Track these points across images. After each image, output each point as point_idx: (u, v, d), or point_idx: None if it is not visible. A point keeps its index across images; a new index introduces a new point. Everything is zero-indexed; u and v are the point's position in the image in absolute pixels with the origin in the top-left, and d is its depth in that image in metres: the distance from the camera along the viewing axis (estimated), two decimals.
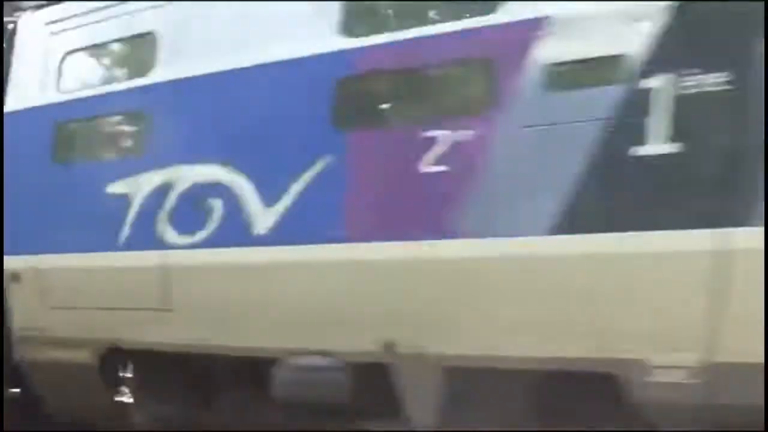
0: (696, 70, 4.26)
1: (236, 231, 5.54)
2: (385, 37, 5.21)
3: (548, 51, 4.64)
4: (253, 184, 5.49)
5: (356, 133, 5.31)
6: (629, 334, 4.40)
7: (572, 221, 4.52)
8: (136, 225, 5.98)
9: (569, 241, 4.53)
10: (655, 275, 4.31)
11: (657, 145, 4.31)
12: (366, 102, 5.40)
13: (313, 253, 5.27)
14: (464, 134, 4.82)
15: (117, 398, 6.52)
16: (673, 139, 4.29)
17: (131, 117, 6.28)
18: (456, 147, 4.83)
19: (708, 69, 4.23)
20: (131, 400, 6.50)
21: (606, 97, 4.47)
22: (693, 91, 4.27)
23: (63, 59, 6.56)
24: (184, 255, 5.78)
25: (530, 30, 4.69)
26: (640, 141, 4.36)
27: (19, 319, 6.57)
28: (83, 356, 6.30)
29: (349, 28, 5.34)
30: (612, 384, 4.52)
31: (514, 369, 4.76)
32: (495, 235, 4.73)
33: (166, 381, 6.24)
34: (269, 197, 5.43)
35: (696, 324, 4.23)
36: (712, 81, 4.22)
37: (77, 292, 6.24)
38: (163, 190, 5.85)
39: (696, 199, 4.27)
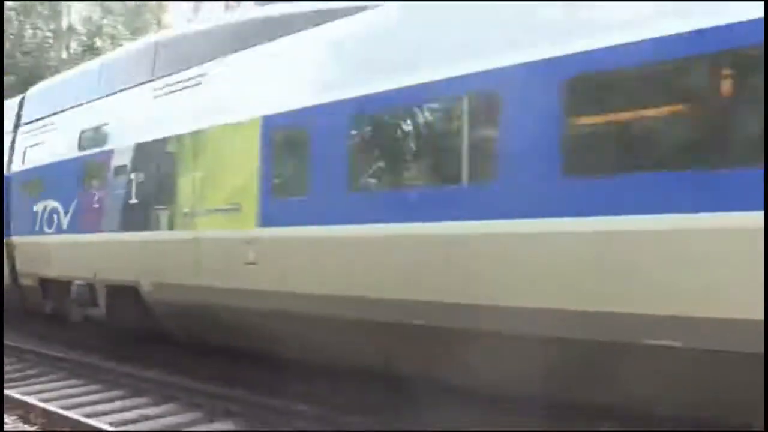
0: (142, 172, 10.97)
1: (59, 227, 13.01)
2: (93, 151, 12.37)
3: (114, 162, 11.52)
4: (63, 210, 12.89)
5: (82, 189, 12.48)
6: (137, 272, 11.11)
7: (124, 226, 11.40)
8: (38, 224, 13.62)
9: (125, 234, 11.39)
10: (155, 250, 10.88)
11: (134, 199, 11.08)
12: (82, 176, 12.50)
13: (78, 238, 12.58)
14: (101, 192, 11.84)
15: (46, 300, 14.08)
16: (137, 196, 11.04)
17: (38, 181, 13.88)
18: (100, 197, 11.86)
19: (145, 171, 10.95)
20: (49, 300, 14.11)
21: (128, 179, 11.31)
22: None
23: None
24: (50, 237, 13.36)
25: (111, 154, 11.61)
26: (130, 197, 11.13)
27: (24, 265, 14.41)
28: (33, 280, 14.05)
29: (81, 146, 12.55)
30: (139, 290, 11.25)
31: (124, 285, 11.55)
32: (109, 231, 11.74)
33: (57, 292, 13.73)
34: (65, 214, 12.82)
35: (146, 268, 10.91)
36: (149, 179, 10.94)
37: (27, 252, 14.02)
38: (44, 210, 13.43)
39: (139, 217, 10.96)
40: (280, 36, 8.97)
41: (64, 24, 40.78)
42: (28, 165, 14.10)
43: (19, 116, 14.91)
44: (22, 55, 38.03)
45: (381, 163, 7.69)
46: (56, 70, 37.19)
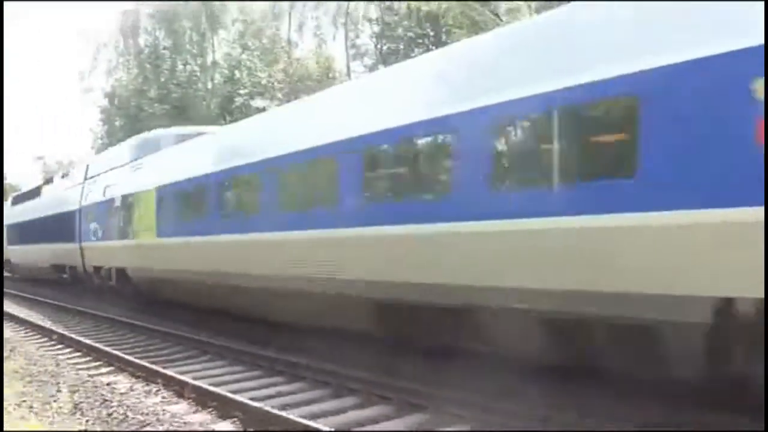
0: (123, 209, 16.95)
1: (97, 237, 18.76)
2: (108, 197, 18.48)
3: (115, 204, 17.76)
4: (99, 228, 18.45)
5: (104, 216, 18.39)
6: (125, 261, 17.04)
7: (118, 237, 17.34)
8: (91, 236, 19.24)
9: (119, 241, 17.32)
10: (129, 249, 16.72)
11: (122, 223, 16.67)
12: (104, 210, 18.44)
13: (105, 243, 18.35)
14: (110, 219, 17.90)
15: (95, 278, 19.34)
16: (122, 221, 17.09)
17: (90, 212, 19.65)
18: (110, 221, 17.38)
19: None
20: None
21: (119, 212, 17.31)
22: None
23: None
24: (95, 242, 19.15)
25: (114, 200, 17.79)
26: (120, 222, 17.06)
27: (87, 259, 19.76)
28: (90, 268, 19.59)
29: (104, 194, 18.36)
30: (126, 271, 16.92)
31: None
32: (114, 240, 17.52)
33: (99, 274, 18.94)
34: (100, 231, 18.58)
35: (128, 259, 16.88)
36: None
37: (88, 251, 19.63)
38: (93, 228, 19.22)
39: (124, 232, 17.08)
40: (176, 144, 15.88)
41: (209, 59, 42.69)
42: (88, 203, 20.11)
43: (86, 173, 21.32)
44: (175, 86, 40.24)
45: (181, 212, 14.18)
46: (203, 99, 39.15)
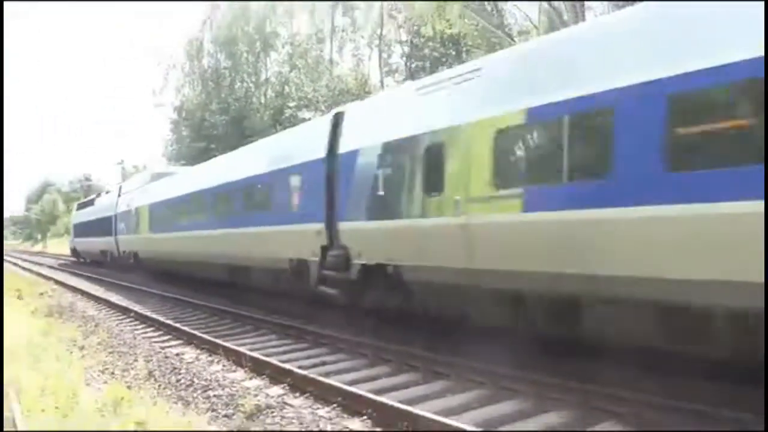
0: (136, 216, 22.63)
1: (123, 232, 24.60)
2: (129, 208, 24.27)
3: (132, 213, 23.27)
4: (125, 227, 24.07)
5: (127, 220, 24.01)
6: (136, 246, 22.89)
7: (133, 232, 23.31)
8: (121, 231, 24.91)
9: (132, 235, 23.45)
10: (139, 240, 22.84)
11: (135, 223, 22.27)
12: (126, 216, 24.12)
13: (125, 236, 24.39)
14: (130, 221, 23.38)
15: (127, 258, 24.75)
16: (137, 222, 22.71)
17: (121, 215, 25.42)
18: (130, 222, 23.26)
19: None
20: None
21: (134, 217, 23.00)
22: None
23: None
24: (122, 235, 24.83)
25: (132, 210, 23.47)
26: (134, 222, 22.97)
27: (120, 246, 25.59)
28: (123, 251, 24.92)
29: (128, 206, 22.16)
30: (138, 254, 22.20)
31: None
32: (131, 234, 23.59)
33: (125, 255, 24.58)
34: (125, 228, 24.26)
35: (139, 245, 22.73)
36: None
37: (121, 242, 25.11)
38: (121, 226, 24.97)
39: (137, 229, 22.83)
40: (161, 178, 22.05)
41: (263, 77, 43.07)
42: (119, 211, 25.52)
43: (119, 190, 27.35)
44: (233, 100, 40.76)
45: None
46: (257, 111, 39.53)
